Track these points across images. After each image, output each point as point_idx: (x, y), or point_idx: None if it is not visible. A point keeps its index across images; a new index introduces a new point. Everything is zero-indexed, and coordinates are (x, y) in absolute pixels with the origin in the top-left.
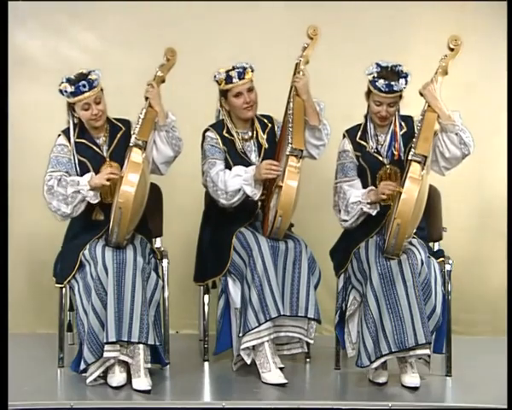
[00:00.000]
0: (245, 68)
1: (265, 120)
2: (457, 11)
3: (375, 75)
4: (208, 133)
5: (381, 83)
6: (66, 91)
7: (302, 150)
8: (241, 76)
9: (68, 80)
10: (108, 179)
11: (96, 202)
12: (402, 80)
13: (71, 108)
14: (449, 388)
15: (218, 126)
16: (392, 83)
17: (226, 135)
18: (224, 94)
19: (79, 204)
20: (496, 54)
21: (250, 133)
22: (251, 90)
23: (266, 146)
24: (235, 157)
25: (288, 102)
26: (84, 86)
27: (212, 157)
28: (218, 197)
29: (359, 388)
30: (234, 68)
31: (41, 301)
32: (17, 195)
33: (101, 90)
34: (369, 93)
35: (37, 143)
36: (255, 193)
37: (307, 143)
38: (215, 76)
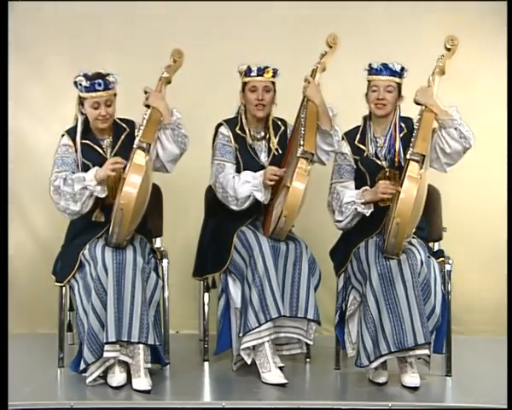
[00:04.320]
0: (267, 67)
1: (279, 123)
2: (458, 11)
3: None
4: (221, 129)
5: (377, 65)
6: (80, 85)
7: (313, 154)
8: (259, 72)
9: (85, 75)
10: (113, 170)
11: (103, 195)
12: (398, 65)
13: (81, 103)
14: (449, 388)
15: (232, 122)
16: (388, 64)
17: (239, 132)
18: (243, 87)
19: (87, 200)
20: (496, 54)
21: (263, 133)
22: (268, 90)
23: (277, 148)
24: (245, 155)
25: (301, 106)
26: (99, 85)
27: (222, 158)
28: (229, 204)
29: (359, 388)
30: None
31: (41, 301)
32: (17, 195)
33: (115, 95)
34: (367, 92)
35: (38, 143)
36: (266, 198)
37: (318, 149)
38: (239, 66)
